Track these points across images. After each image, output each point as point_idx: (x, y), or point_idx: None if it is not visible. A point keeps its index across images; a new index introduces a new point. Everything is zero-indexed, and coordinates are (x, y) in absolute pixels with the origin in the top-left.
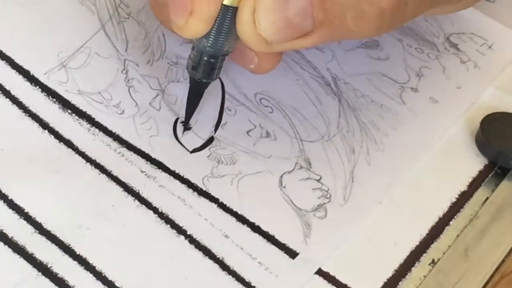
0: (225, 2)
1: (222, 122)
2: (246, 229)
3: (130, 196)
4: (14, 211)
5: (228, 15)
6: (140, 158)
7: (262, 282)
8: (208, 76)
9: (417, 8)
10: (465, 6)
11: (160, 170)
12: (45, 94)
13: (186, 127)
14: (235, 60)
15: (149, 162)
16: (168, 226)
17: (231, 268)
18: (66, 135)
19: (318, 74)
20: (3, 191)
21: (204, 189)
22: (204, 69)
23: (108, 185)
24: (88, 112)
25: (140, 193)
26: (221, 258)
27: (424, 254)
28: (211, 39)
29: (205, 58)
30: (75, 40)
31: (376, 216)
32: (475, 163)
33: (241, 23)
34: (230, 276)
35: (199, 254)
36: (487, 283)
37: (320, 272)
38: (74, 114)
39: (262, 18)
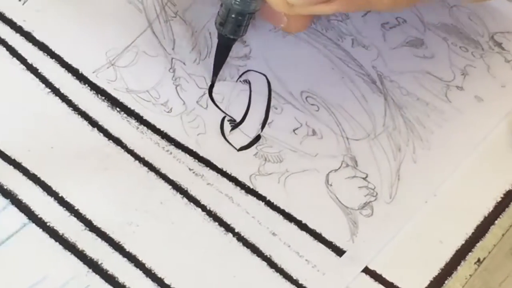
0: None
1: (269, 120)
2: (293, 227)
3: (178, 193)
4: (65, 208)
5: None
6: (188, 156)
7: (309, 279)
8: (235, 33)
9: None
10: None
11: (208, 168)
12: (94, 92)
13: (213, 82)
14: (266, 18)
15: (197, 160)
16: (216, 223)
17: (279, 266)
18: (115, 133)
19: (364, 72)
20: (53, 188)
21: (251, 187)
22: (231, 25)
23: (156, 182)
24: (136, 110)
25: (188, 191)
26: (268, 256)
27: (470, 253)
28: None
29: (232, 15)
30: (123, 38)
31: (422, 214)
32: None
33: None
34: (278, 274)
35: (247, 251)
36: None
37: (366, 270)
38: (122, 112)
39: None
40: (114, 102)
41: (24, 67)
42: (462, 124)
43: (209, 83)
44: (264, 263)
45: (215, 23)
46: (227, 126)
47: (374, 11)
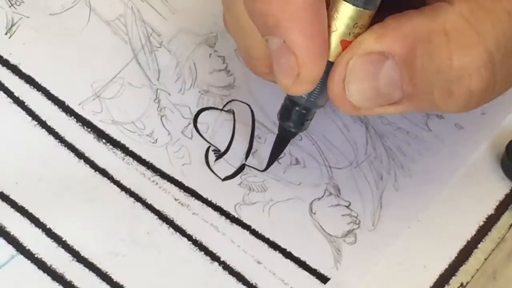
0: (331, 59)
1: (253, 150)
2: (278, 255)
3: (164, 223)
4: (53, 240)
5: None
6: (173, 186)
7: None
8: (300, 127)
9: (504, 87)
10: None
11: (193, 198)
12: (80, 124)
13: (266, 169)
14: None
15: (182, 190)
16: (202, 253)
17: None
18: (101, 164)
19: None
20: (41, 220)
21: (236, 216)
22: (297, 120)
23: (142, 213)
24: (122, 142)
25: (174, 221)
26: (254, 284)
27: (453, 277)
28: (307, 94)
29: (298, 109)
30: (109, 70)
31: (405, 240)
32: (501, 186)
33: (332, 87)
34: None
35: (233, 280)
36: None
37: None
38: (108, 144)
39: (352, 86)
40: (100, 134)
41: (11, 100)
42: (443, 151)
43: (195, 113)
44: None
45: (278, 115)
46: (211, 156)
47: None
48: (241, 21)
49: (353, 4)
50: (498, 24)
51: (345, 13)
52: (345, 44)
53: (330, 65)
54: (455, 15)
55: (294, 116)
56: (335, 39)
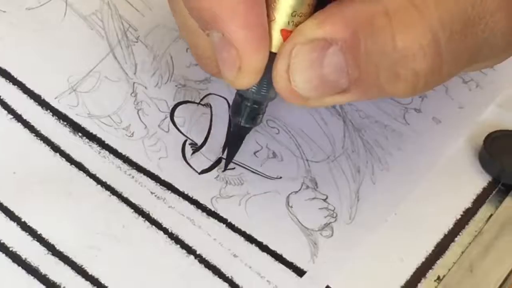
0: (273, 50)
1: None
2: (254, 248)
3: (140, 217)
4: (27, 233)
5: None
6: (149, 179)
7: None
8: (252, 121)
9: (454, 69)
10: (496, 63)
11: (170, 192)
12: (56, 118)
13: (226, 168)
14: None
15: (158, 184)
16: (178, 246)
17: (240, 287)
18: (77, 158)
19: None
20: (16, 214)
21: (212, 209)
22: (248, 114)
23: (118, 206)
24: (98, 135)
25: (150, 214)
26: (230, 277)
27: (430, 271)
28: (255, 88)
29: (248, 104)
30: (85, 64)
31: (383, 233)
32: (479, 180)
33: (276, 79)
34: None
35: (209, 273)
36: None
37: None
38: (84, 137)
39: (297, 76)
40: (76, 127)
41: None
42: (420, 145)
43: (171, 106)
44: (226, 284)
45: (230, 112)
46: (188, 149)
47: None
48: (186, 21)
49: None
50: (441, 3)
51: (284, 2)
52: (285, 34)
53: (274, 56)
54: None
55: (244, 111)
56: (276, 29)
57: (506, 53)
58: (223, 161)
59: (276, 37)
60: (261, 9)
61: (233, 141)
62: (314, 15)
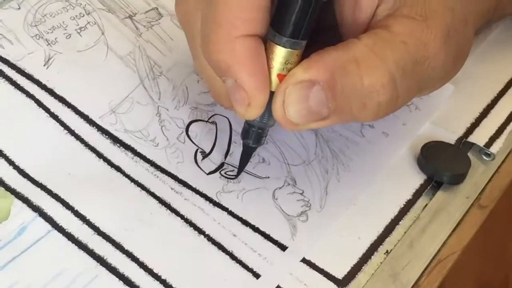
0: (272, 89)
1: (230, 151)
2: (249, 230)
3: (163, 207)
4: (79, 218)
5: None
6: (170, 178)
7: (261, 268)
8: (257, 142)
9: (406, 98)
10: (434, 90)
11: (185, 188)
12: (100, 132)
13: (237, 176)
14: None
15: (177, 182)
16: (191, 228)
17: (238, 258)
18: (116, 162)
19: None
20: (70, 204)
21: (217, 201)
22: (254, 137)
23: (147, 199)
24: (132, 145)
25: (171, 205)
26: (231, 251)
27: (381, 246)
28: (259, 118)
29: (254, 130)
30: (122, 92)
31: (345, 218)
32: (417, 178)
33: (275, 111)
34: (238, 264)
35: (214, 248)
36: (427, 266)
37: (304, 260)
38: (121, 147)
39: (290, 108)
40: (115, 140)
41: (48, 115)
42: (373, 153)
43: (187, 124)
44: (228, 257)
45: (241, 136)
46: (199, 156)
47: None
48: (205, 69)
49: (284, 47)
50: (395, 51)
51: (279, 54)
52: (281, 77)
53: (273, 94)
54: (362, 46)
55: (252, 135)
56: (274, 74)
57: (443, 82)
58: (225, 164)
59: (274, 80)
60: (263, 60)
61: (244, 157)
62: (302, 62)
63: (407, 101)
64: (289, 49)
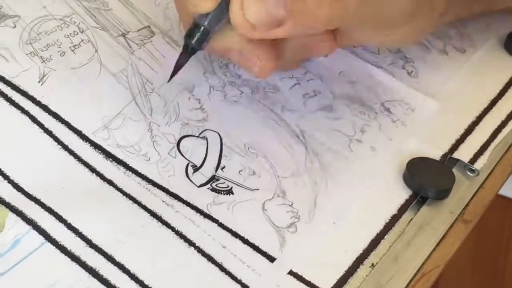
0: None
1: (221, 165)
2: (238, 241)
3: (154, 219)
4: (72, 231)
5: (224, 4)
6: (161, 191)
7: (250, 279)
8: (199, 44)
9: (361, 12)
10: (400, 38)
11: (176, 200)
12: (93, 147)
13: (170, 79)
14: (243, 65)
15: (168, 195)
16: (182, 240)
17: (228, 270)
18: (108, 176)
19: (291, 129)
20: (64, 217)
21: (208, 213)
22: (198, 38)
23: (139, 211)
24: (124, 160)
25: (162, 217)
26: (220, 263)
27: (366, 259)
28: (210, 19)
29: (200, 30)
30: (114, 108)
31: (332, 231)
32: (403, 193)
33: (232, 12)
34: (227, 276)
35: (204, 260)
36: (411, 280)
37: (291, 272)
38: (114, 162)
39: (248, 9)
40: (108, 154)
41: (42, 130)
42: (361, 166)
43: (178, 139)
44: (217, 268)
45: (185, 35)
46: (190, 170)
47: (301, 86)
48: None
49: None
50: None
51: None
52: None
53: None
54: None
55: (196, 35)
56: None
57: (404, 28)
58: (216, 177)
59: None
60: None
61: (182, 57)
62: None
63: (361, 17)
64: None
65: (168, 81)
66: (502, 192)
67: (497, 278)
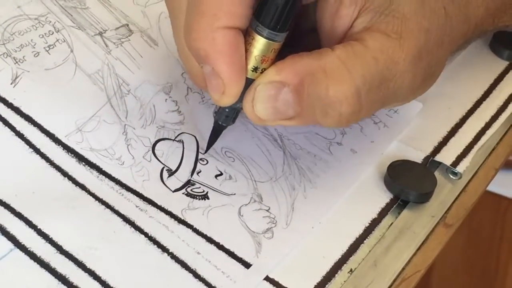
0: (248, 75)
1: (197, 169)
2: (213, 247)
3: (127, 224)
4: (42, 237)
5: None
6: (135, 196)
7: (224, 286)
8: (227, 122)
9: (369, 112)
10: (408, 102)
11: (150, 205)
12: (66, 151)
13: (205, 152)
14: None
15: (142, 199)
16: (155, 246)
17: (202, 276)
18: (80, 180)
19: (268, 133)
20: (33, 222)
21: (182, 218)
22: (225, 117)
23: (111, 217)
24: (97, 164)
25: (135, 222)
26: (194, 269)
27: (345, 265)
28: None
29: (227, 110)
30: (89, 110)
31: (310, 236)
32: (383, 197)
33: (244, 106)
34: (201, 283)
35: (177, 266)
36: (391, 285)
37: (267, 278)
38: (87, 166)
39: (257, 104)
40: (81, 158)
41: (13, 133)
42: (341, 170)
43: (153, 142)
44: (191, 275)
45: (214, 113)
46: (165, 174)
47: None
48: (185, 50)
49: (263, 37)
50: (365, 66)
51: (258, 45)
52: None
53: (249, 81)
54: (334, 57)
55: (223, 115)
56: (250, 64)
57: (409, 99)
58: (191, 182)
59: (250, 70)
60: (241, 52)
61: (214, 134)
62: (276, 64)
63: (370, 114)
64: (268, 40)
65: (205, 152)
66: (494, 189)
67: (490, 277)
